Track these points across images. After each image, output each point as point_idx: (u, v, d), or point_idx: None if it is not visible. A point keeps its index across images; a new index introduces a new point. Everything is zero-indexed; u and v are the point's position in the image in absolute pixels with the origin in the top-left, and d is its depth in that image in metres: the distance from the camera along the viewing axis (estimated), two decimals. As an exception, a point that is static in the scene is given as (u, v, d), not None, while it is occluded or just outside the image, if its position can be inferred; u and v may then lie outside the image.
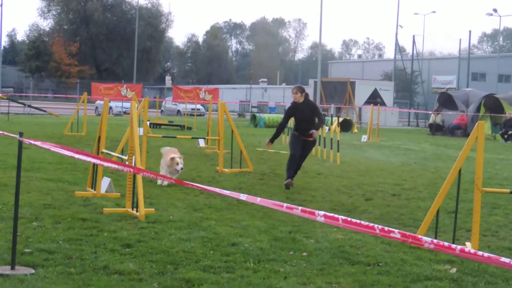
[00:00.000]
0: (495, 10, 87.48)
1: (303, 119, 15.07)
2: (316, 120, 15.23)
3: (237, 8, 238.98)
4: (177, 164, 14.61)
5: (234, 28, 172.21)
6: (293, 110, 15.33)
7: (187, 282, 7.22)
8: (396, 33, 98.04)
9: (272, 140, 15.69)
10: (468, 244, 9.63)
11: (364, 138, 34.19)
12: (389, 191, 14.93)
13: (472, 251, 4.53)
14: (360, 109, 56.68)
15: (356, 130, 42.86)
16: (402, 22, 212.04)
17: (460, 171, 9.52)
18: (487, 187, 13.05)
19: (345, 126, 41.56)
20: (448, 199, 11.82)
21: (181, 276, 7.43)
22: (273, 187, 15.04)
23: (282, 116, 43.85)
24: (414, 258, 8.68)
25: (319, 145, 22.92)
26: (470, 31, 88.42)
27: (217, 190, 5.89)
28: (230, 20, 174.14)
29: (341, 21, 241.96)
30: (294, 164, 14.99)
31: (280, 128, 15.58)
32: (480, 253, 4.50)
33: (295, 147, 15.11)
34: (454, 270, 8.20)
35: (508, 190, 10.94)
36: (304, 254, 8.70)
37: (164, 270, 7.66)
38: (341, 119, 42.12)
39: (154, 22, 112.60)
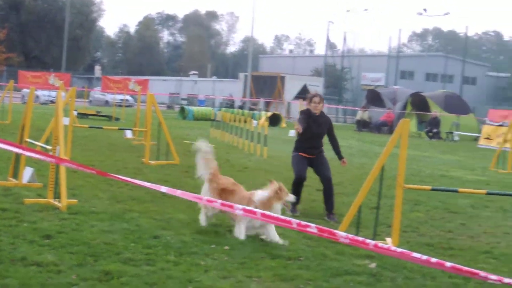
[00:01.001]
0: (425, 10, 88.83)
1: (318, 135, 12.37)
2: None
3: (170, 0, 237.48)
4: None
5: (167, 20, 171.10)
6: (309, 121, 12.20)
7: (107, 274, 7.15)
8: (328, 29, 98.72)
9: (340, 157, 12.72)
10: (388, 239, 9.76)
11: (292, 133, 34.31)
12: (314, 186, 15.01)
13: (386, 246, 4.60)
14: (289, 103, 56.92)
15: (284, 125, 43.02)
16: (333, 19, 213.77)
17: (383, 167, 9.63)
18: (410, 184, 13.26)
19: (274, 120, 41.69)
20: (371, 195, 11.96)
21: (101, 268, 7.35)
22: (198, 180, 14.97)
23: (211, 109, 43.85)
24: (334, 253, 8.76)
25: (246, 138, 22.97)
26: (400, 30, 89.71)
27: (138, 182, 5.85)
28: (163, 11, 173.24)
29: (274, 16, 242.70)
30: (299, 187, 12.13)
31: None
32: (393, 248, 4.58)
33: (300, 166, 12.25)
34: (373, 265, 8.30)
35: (429, 187, 11.15)
36: (226, 247, 8.70)
37: (83, 262, 7.57)
38: (270, 114, 42.28)
39: (86, 10, 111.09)
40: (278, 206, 9.57)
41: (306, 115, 12.20)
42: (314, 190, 14.57)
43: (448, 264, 4.35)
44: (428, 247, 9.74)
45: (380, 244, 4.59)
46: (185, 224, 9.98)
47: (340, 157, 12.57)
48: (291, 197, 9.88)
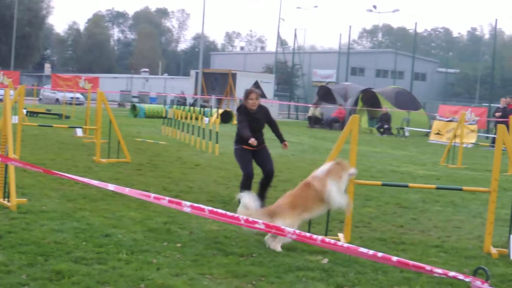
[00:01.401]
0: (374, 7, 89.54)
1: (258, 129, 12.28)
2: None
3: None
4: None
5: (117, 17, 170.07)
6: (244, 118, 12.15)
7: (57, 274, 7.08)
8: (278, 26, 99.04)
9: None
10: (340, 235, 9.81)
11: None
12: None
13: (332, 241, 4.61)
14: (241, 100, 56.84)
15: (235, 122, 42.98)
16: (284, 15, 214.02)
17: (334, 163, 9.67)
18: (361, 179, 13.34)
19: (226, 117, 41.66)
20: (323, 191, 11.98)
21: (51, 267, 7.28)
22: (150, 178, 14.93)
23: (162, 106, 43.61)
24: (287, 249, 8.77)
25: (198, 136, 22.93)
26: (350, 27, 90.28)
27: (86, 180, 5.79)
28: (113, 8, 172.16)
29: (225, 13, 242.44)
30: (249, 186, 11.94)
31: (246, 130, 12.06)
32: (339, 243, 4.59)
33: (246, 163, 12.21)
34: (326, 260, 8.34)
35: (380, 183, 11.23)
36: (178, 245, 8.67)
37: (34, 261, 7.49)
38: (221, 111, 42.24)
39: (34, 7, 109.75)
40: (345, 176, 9.35)
41: (244, 114, 12.15)
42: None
43: (395, 258, 4.38)
44: (380, 241, 9.80)
45: (327, 239, 4.61)
46: (136, 222, 9.92)
47: (281, 140, 12.69)
48: (353, 170, 9.55)
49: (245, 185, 11.90)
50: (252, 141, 11.76)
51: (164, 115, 31.57)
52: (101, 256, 7.88)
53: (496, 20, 68.34)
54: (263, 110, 12.36)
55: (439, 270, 4.26)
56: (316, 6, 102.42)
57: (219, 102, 56.75)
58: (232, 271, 7.63)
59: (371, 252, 4.44)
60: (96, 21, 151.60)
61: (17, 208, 10.18)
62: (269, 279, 7.45)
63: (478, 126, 37.09)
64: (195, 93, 61.11)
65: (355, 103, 44.94)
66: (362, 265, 8.14)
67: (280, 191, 14.06)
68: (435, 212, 12.70)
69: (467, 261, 8.89)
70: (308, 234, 4.67)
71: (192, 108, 28.31)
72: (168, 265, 7.73)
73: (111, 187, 5.47)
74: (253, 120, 12.11)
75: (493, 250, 9.39)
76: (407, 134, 39.90)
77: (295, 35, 70.39)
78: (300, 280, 7.50)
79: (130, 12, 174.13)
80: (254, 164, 12.19)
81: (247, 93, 12.20)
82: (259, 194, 11.75)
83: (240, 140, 12.19)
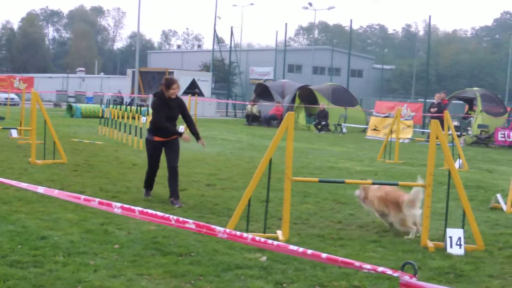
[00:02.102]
0: (310, 4, 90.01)
1: (171, 117, 12.50)
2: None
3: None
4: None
5: (51, 16, 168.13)
6: (164, 105, 12.40)
7: (-8, 278, 6.96)
8: (215, 24, 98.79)
9: (180, 135, 12.58)
10: (279, 232, 9.83)
11: (181, 128, 34.19)
12: (204, 181, 15.03)
13: (262, 240, 4.61)
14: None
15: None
16: (220, 13, 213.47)
17: (270, 160, 9.70)
18: (300, 176, 13.44)
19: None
20: (262, 188, 12.02)
21: (-14, 272, 7.15)
22: (86, 178, 14.77)
23: (99, 106, 43.23)
24: (226, 247, 8.76)
25: (136, 135, 22.77)
26: (286, 24, 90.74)
27: (13, 182, 5.68)
28: (47, 7, 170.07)
29: (161, 11, 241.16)
30: (152, 178, 12.80)
31: (166, 124, 12.45)
32: (269, 241, 4.59)
33: (152, 156, 12.73)
34: (264, 258, 8.35)
35: (317, 179, 11.29)
36: (116, 246, 8.60)
37: (-33, 266, 7.36)
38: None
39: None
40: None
41: (161, 100, 12.41)
42: (203, 185, 14.59)
43: (324, 255, 4.40)
44: (318, 238, 9.85)
45: (257, 238, 4.60)
46: (73, 223, 9.81)
47: (197, 137, 12.79)
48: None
49: (148, 177, 12.73)
50: (185, 137, 12.49)
51: (101, 115, 31.28)
52: (37, 259, 7.77)
53: (430, 16, 69.32)
54: (178, 101, 12.63)
55: (368, 266, 4.30)
56: (252, 4, 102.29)
57: (156, 101, 56.42)
58: (170, 271, 7.60)
59: (300, 249, 4.46)
60: (30, 20, 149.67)
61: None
62: (207, 278, 7.43)
63: (414, 122, 37.51)
64: (132, 92, 60.72)
65: (293, 100, 45.10)
66: (301, 262, 8.17)
67: (218, 189, 14.10)
68: (373, 207, 12.79)
69: (404, 255, 8.99)
70: (238, 233, 4.66)
71: (129, 107, 28.12)
72: (105, 266, 7.66)
73: (40, 189, 5.37)
74: (169, 108, 12.38)
75: (430, 244, 9.51)
76: (344, 130, 40.20)
77: (232, 33, 70.33)
78: (239, 278, 7.51)
79: (65, 11, 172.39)
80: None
81: (170, 83, 12.41)
82: (169, 189, 12.27)
83: (152, 129, 12.55)
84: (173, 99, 12.42)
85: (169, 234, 9.34)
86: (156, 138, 12.43)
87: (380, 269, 4.25)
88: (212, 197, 13.08)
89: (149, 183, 12.82)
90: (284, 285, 7.37)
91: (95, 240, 8.87)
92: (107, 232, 9.34)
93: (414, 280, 4.26)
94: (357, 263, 4.30)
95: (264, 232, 9.75)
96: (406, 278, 4.27)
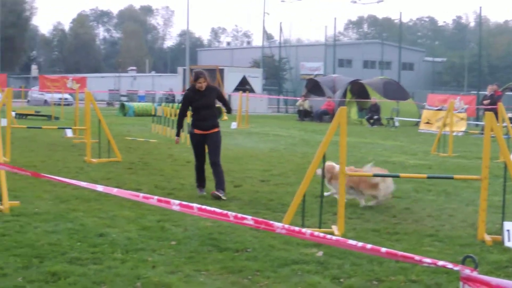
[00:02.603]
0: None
1: (206, 105, 12.60)
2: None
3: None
4: None
5: (101, 16, 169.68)
6: (195, 95, 12.63)
7: (53, 275, 7.08)
8: (264, 21, 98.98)
9: (178, 134, 13.22)
10: (334, 227, 9.82)
11: (234, 125, 34.35)
12: (258, 177, 15.05)
13: (322, 234, 4.61)
14: (229, 96, 56.92)
15: (225, 117, 42.96)
16: (269, 9, 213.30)
17: (324, 155, 9.69)
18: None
19: (215, 113, 41.53)
20: (316, 183, 12.01)
21: (47, 269, 7.28)
22: (141, 176, 14.91)
23: (151, 104, 43.63)
24: (282, 243, 8.78)
25: (188, 133, 22.88)
26: (335, 18, 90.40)
27: (73, 181, 5.75)
28: (97, 7, 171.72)
29: (209, 9, 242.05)
30: (201, 173, 12.89)
31: (181, 115, 13.05)
32: (328, 236, 4.59)
33: (198, 151, 12.82)
34: (320, 253, 8.35)
35: (371, 174, 11.23)
36: (173, 242, 8.68)
37: (29, 264, 7.49)
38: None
39: (17, 9, 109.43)
40: None
41: (190, 91, 12.76)
42: (257, 181, 14.61)
43: (383, 249, 4.38)
44: (374, 232, 9.82)
45: (316, 233, 4.61)
46: (130, 220, 9.91)
47: (228, 108, 13.65)
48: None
49: (197, 172, 12.84)
50: (176, 140, 13.18)
51: (153, 113, 31.51)
52: (96, 256, 7.88)
53: (481, 7, 68.54)
54: (212, 89, 12.80)
55: (428, 260, 4.28)
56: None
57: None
58: (227, 267, 7.64)
59: (360, 244, 4.45)
60: (81, 21, 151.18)
61: (10, 211, 10.17)
62: (264, 274, 7.46)
63: (467, 114, 37.12)
64: (183, 90, 61.04)
65: (344, 95, 44.92)
66: (358, 257, 8.15)
67: (272, 185, 14.12)
68: (428, 201, 12.72)
69: (461, 249, 8.91)
70: (297, 229, 4.67)
71: (181, 105, 28.27)
72: (163, 262, 7.74)
73: (99, 188, 5.44)
74: (202, 96, 12.54)
75: (487, 238, 9.42)
76: (396, 124, 39.93)
77: (281, 29, 70.41)
78: (295, 274, 7.52)
79: (115, 11, 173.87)
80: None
81: (196, 76, 12.56)
82: (214, 181, 12.39)
83: (192, 121, 12.75)
84: (204, 90, 12.58)
85: (225, 230, 9.39)
86: (196, 131, 12.63)
87: (441, 263, 4.23)
88: (266, 192, 13.11)
89: (199, 180, 12.92)
90: (341, 280, 7.37)
91: (152, 237, 8.96)
92: (164, 229, 9.42)
93: (475, 274, 4.23)
94: (417, 257, 4.28)
95: (320, 227, 9.75)
96: (467, 271, 4.24)
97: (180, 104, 25.97)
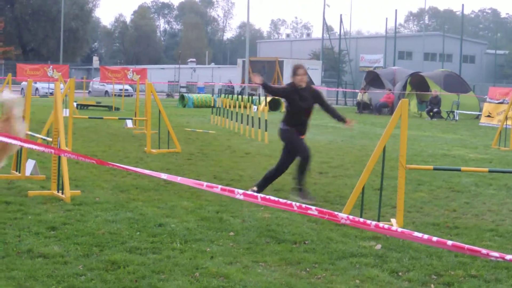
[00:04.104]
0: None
1: (306, 109, 11.58)
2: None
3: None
4: None
5: (162, 8, 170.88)
6: (294, 94, 11.55)
7: (113, 264, 7.17)
8: (324, 12, 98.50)
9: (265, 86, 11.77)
10: (393, 220, 9.76)
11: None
12: (316, 169, 15.01)
13: (386, 226, 4.58)
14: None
15: (284, 109, 42.87)
16: (329, 1, 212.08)
17: (384, 148, 9.63)
18: (412, 164, 13.29)
19: (274, 105, 41.63)
20: (374, 176, 11.96)
21: (107, 258, 7.37)
22: (200, 167, 15.00)
23: (210, 96, 43.77)
24: (340, 235, 8.76)
25: (247, 124, 22.95)
26: (396, 10, 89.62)
27: (138, 169, 5.82)
28: (158, 0, 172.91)
29: (269, 0, 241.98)
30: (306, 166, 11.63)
31: (276, 90, 12.37)
32: (393, 228, 4.56)
33: (303, 143, 11.67)
34: (379, 246, 8.31)
35: (431, 167, 11.12)
36: (231, 233, 8.71)
37: (89, 252, 7.60)
38: (269, 98, 42.23)
39: (81, 1, 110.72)
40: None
41: (292, 88, 11.60)
42: (316, 173, 14.56)
43: (450, 242, 4.33)
44: (433, 226, 9.73)
45: (381, 224, 4.58)
46: (189, 211, 9.97)
47: (342, 119, 11.77)
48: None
49: (305, 165, 11.52)
50: (254, 77, 11.60)
51: (212, 105, 31.66)
52: (155, 246, 7.95)
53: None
54: (312, 91, 11.76)
55: (496, 254, 4.21)
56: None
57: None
58: (285, 259, 7.65)
59: (425, 236, 4.40)
60: (142, 13, 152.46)
61: (71, 200, 10.32)
62: (322, 266, 7.46)
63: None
64: (242, 81, 61.19)
65: (404, 88, 44.55)
66: (416, 251, 8.10)
67: (331, 177, 14.08)
68: (489, 195, 12.56)
69: (522, 244, 8.79)
70: (361, 220, 4.65)
71: (240, 96, 28.34)
72: (221, 253, 7.78)
73: (163, 176, 5.51)
74: (301, 98, 11.46)
75: (549, 233, 9.28)
76: (456, 117, 39.49)
77: (341, 21, 70.04)
78: (354, 267, 7.50)
79: (176, 3, 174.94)
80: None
81: (295, 69, 11.69)
82: (298, 180, 11.60)
83: (289, 121, 11.63)
84: (305, 89, 11.55)
85: (282, 222, 9.40)
86: (293, 128, 11.61)
87: (508, 257, 4.16)
88: (324, 185, 13.08)
89: (266, 185, 11.94)
90: (400, 273, 7.32)
91: (210, 227, 9.00)
92: (222, 220, 9.46)
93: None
94: (484, 251, 4.22)
95: (378, 220, 9.70)
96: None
97: (239, 96, 26.02)
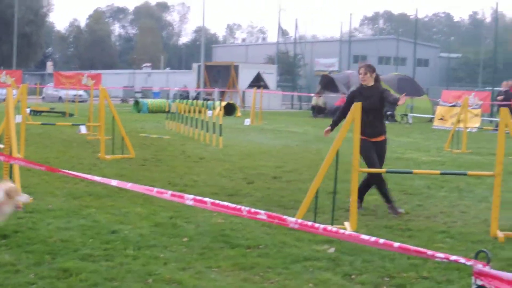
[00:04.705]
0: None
1: (371, 108, 10.97)
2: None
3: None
4: None
5: (117, 12, 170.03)
6: (358, 96, 11.16)
7: (65, 272, 7.11)
8: (279, 17, 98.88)
9: (332, 127, 11.74)
10: (346, 223, 9.81)
11: (247, 121, 34.35)
12: (270, 174, 15.05)
13: (334, 229, 4.61)
14: (243, 92, 56.92)
15: (239, 114, 42.98)
16: (284, 5, 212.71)
17: (338, 152, 9.68)
18: (366, 168, 13.33)
19: (229, 110, 41.64)
20: (328, 180, 12.00)
21: (59, 265, 7.31)
22: (154, 173, 14.94)
23: (165, 101, 43.62)
24: (293, 239, 8.79)
25: (202, 129, 22.92)
26: (351, 14, 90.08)
27: (88, 176, 5.81)
28: (113, 4, 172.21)
29: (225, 5, 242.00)
30: (382, 183, 11.23)
31: (341, 114, 11.45)
32: (341, 231, 4.59)
33: (372, 156, 11.11)
34: (332, 249, 8.35)
35: (384, 170, 11.20)
36: (185, 239, 8.69)
37: (41, 260, 7.53)
38: (224, 103, 42.22)
39: (35, 6, 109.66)
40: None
41: (357, 90, 11.37)
42: (270, 178, 14.60)
43: (396, 244, 4.38)
44: (386, 229, 9.81)
45: (329, 227, 4.61)
46: (142, 217, 9.93)
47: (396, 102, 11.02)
48: (25, 197, 8.08)
49: (368, 186, 11.38)
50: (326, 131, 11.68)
51: (167, 110, 31.57)
52: (108, 253, 7.91)
53: (497, 3, 68.29)
54: (377, 90, 11.23)
55: (441, 255, 4.27)
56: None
57: (222, 94, 56.71)
58: (239, 263, 7.66)
59: (372, 238, 4.44)
60: (97, 17, 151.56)
61: (23, 208, 10.21)
62: (276, 270, 7.47)
63: (482, 110, 36.99)
64: (197, 86, 61.11)
65: (358, 91, 44.81)
66: (369, 253, 8.15)
67: (285, 182, 14.11)
68: (441, 197, 12.70)
69: (473, 245, 8.90)
70: (310, 223, 4.67)
71: (195, 101, 28.31)
72: (175, 259, 7.76)
73: (113, 182, 5.48)
74: (364, 97, 10.96)
75: (500, 234, 9.39)
76: (410, 120, 39.83)
77: (296, 25, 70.33)
78: (307, 270, 7.53)
79: (131, 8, 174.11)
80: None
81: (358, 68, 11.48)
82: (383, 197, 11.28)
83: (361, 125, 10.10)
84: (371, 88, 11.20)
85: (236, 227, 9.41)
86: (362, 137, 10.49)
87: (453, 257, 4.21)
88: (278, 189, 13.11)
89: (362, 194, 11.44)
90: (353, 276, 7.37)
91: (164, 233, 8.97)
92: (176, 226, 9.44)
93: (487, 269, 4.21)
94: (429, 252, 4.26)
95: (332, 224, 9.74)
96: (480, 266, 4.22)
97: (194, 101, 26.02)
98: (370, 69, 11.24)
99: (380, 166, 11.16)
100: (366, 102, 10.74)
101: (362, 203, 11.39)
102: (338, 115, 11.60)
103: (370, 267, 7.67)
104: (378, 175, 11.05)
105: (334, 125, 11.67)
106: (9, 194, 7.48)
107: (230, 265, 7.59)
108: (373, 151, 11.07)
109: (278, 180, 14.40)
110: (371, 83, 11.22)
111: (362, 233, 8.86)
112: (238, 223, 9.53)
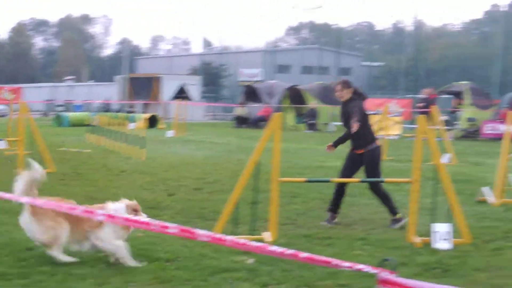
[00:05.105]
0: (298, 5, 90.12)
1: (345, 124, 11.71)
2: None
3: (42, 5, 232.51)
4: None
5: (39, 25, 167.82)
6: (340, 112, 11.85)
7: (-23, 292, 6.96)
8: (203, 28, 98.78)
9: (335, 145, 12.20)
10: (266, 234, 9.83)
11: (171, 133, 34.20)
12: (192, 186, 15.01)
13: (242, 241, 4.61)
14: (166, 104, 56.69)
15: (162, 126, 42.74)
16: (209, 17, 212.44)
17: (258, 162, 9.71)
18: (288, 177, 13.42)
19: (153, 122, 41.39)
20: (250, 190, 12.00)
21: (-29, 285, 7.16)
22: (74, 187, 14.75)
23: (87, 114, 43.17)
24: (212, 251, 8.76)
25: (123, 142, 22.72)
26: (275, 25, 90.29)
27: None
28: (35, 17, 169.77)
29: (149, 17, 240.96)
30: (340, 193, 11.60)
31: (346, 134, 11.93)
32: (249, 243, 4.60)
33: (344, 165, 11.84)
34: (251, 260, 8.36)
35: (303, 179, 11.28)
36: (103, 254, 8.58)
37: (-47, 280, 7.36)
38: (148, 115, 41.98)
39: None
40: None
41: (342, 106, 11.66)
42: (191, 189, 14.58)
43: (303, 254, 4.41)
44: (306, 238, 9.88)
45: (236, 239, 4.61)
46: (60, 233, 9.76)
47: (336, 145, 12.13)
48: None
49: (337, 191, 11.58)
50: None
51: (89, 123, 31.21)
52: (24, 271, 7.77)
53: (417, 12, 69.26)
54: (351, 105, 11.45)
55: (347, 264, 4.32)
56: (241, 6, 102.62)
57: (145, 106, 56.39)
58: (158, 277, 7.61)
59: (279, 249, 4.48)
60: (19, 30, 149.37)
61: None
62: (194, 283, 7.45)
63: (403, 118, 37.56)
64: (121, 99, 60.67)
65: (281, 101, 45.12)
66: (288, 263, 8.17)
67: (206, 193, 14.10)
68: (363, 205, 12.85)
69: (391, 252, 9.01)
70: (219, 236, 4.67)
71: (117, 114, 28.08)
72: (92, 275, 7.66)
73: (24, 199, 5.40)
74: (343, 113, 11.66)
75: (417, 240, 9.54)
76: (333, 129, 40.19)
77: (220, 36, 70.34)
78: (226, 282, 7.53)
79: (54, 20, 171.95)
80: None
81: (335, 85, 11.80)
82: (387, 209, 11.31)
83: (350, 142, 11.74)
84: (349, 102, 11.47)
85: (156, 241, 9.33)
86: (351, 148, 11.69)
87: (358, 266, 4.26)
88: (199, 201, 13.08)
89: (333, 204, 11.53)
90: (271, 286, 7.40)
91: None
92: (94, 241, 9.31)
93: (393, 277, 4.26)
94: (334, 261, 4.31)
95: (252, 234, 9.76)
96: (386, 274, 4.27)
97: (117, 113, 25.76)
98: (346, 84, 11.48)
99: (371, 177, 11.32)
100: (345, 117, 11.37)
101: (335, 214, 11.36)
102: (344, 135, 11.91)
103: (289, 277, 7.71)
104: (376, 187, 11.36)
105: (338, 142, 12.10)
106: None
107: (149, 279, 7.54)
108: (349, 161, 11.57)
109: (200, 191, 14.37)
110: (347, 97, 11.44)
111: (281, 243, 8.96)
112: (157, 236, 9.45)
